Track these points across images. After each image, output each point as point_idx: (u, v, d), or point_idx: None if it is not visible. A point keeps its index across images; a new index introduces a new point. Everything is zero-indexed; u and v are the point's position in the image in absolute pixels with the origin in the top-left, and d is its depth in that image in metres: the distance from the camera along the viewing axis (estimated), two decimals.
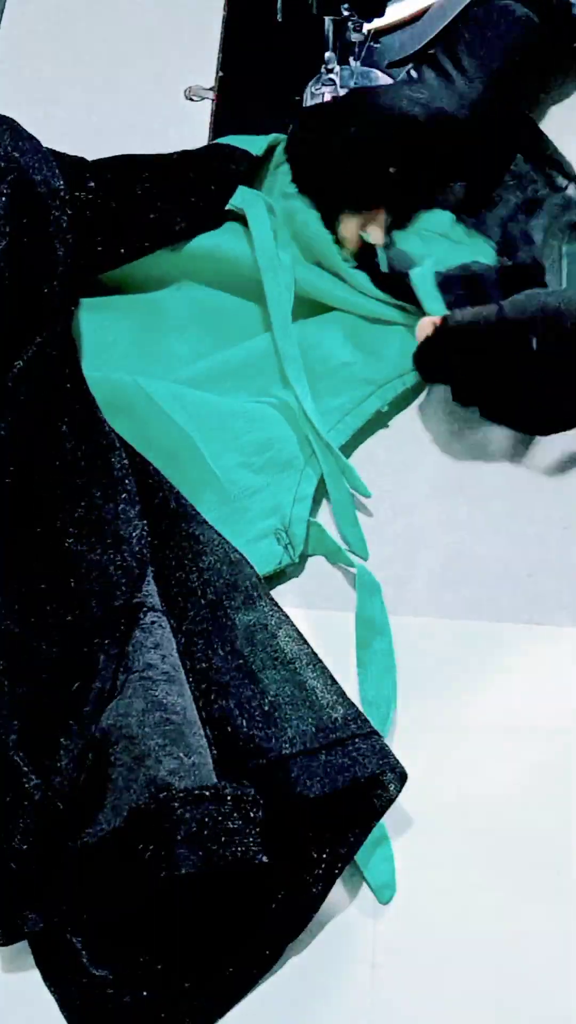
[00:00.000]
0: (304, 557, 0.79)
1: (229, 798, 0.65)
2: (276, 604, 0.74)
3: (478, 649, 0.75)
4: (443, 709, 0.74)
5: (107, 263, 0.85)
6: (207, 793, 0.65)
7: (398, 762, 0.67)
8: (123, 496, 0.75)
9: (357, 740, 0.68)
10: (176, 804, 0.64)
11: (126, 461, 0.76)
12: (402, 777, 0.67)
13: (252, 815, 0.65)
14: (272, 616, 0.73)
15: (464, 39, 0.87)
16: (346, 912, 0.69)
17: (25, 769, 0.66)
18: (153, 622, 0.71)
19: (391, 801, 0.67)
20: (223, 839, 0.63)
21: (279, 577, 0.78)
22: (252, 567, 0.75)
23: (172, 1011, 0.66)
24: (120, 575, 0.72)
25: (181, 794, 0.64)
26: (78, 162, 0.87)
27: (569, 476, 0.81)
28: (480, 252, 0.85)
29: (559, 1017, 0.66)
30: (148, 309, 0.87)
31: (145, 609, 0.71)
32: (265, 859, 0.64)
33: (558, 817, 0.70)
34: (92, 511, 0.74)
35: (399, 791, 0.67)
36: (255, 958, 0.67)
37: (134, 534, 0.73)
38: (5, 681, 0.70)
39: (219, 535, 0.76)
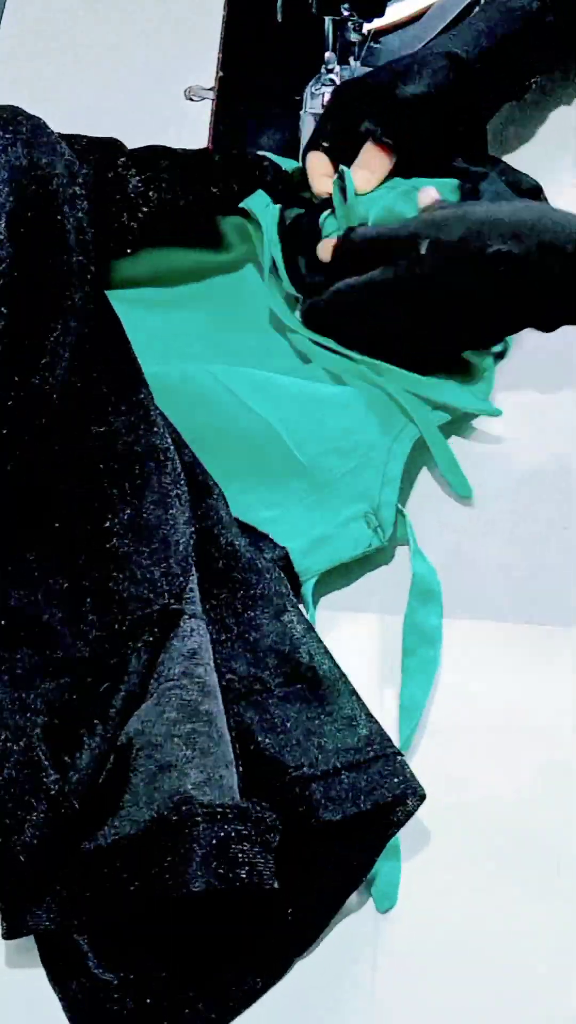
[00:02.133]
0: (392, 542, 0.78)
1: (251, 820, 0.64)
2: (303, 616, 0.73)
3: (478, 649, 0.75)
4: (443, 709, 0.73)
5: (135, 244, 0.86)
6: (231, 813, 0.64)
7: (419, 784, 0.67)
8: (175, 501, 0.74)
9: (380, 761, 0.67)
10: (199, 819, 0.63)
11: (179, 466, 0.75)
12: (421, 797, 0.67)
13: (270, 840, 0.64)
14: (298, 629, 0.72)
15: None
16: (348, 913, 0.68)
17: (45, 763, 0.66)
18: (192, 630, 0.70)
19: (409, 816, 0.67)
20: (238, 861, 0.63)
21: (369, 561, 0.77)
22: (281, 577, 0.74)
23: (175, 1019, 0.65)
24: (164, 582, 0.71)
25: (205, 809, 0.64)
26: (110, 143, 0.87)
27: (569, 476, 0.81)
28: None
29: (560, 1018, 0.66)
30: (219, 303, 0.87)
31: (185, 616, 0.70)
32: (276, 885, 0.64)
33: (558, 817, 0.70)
34: (142, 514, 0.73)
35: (416, 808, 0.67)
36: (262, 969, 0.66)
37: (181, 541, 0.72)
38: (38, 675, 0.70)
39: (248, 545, 0.75)
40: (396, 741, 0.70)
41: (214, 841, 0.63)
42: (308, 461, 0.79)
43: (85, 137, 0.87)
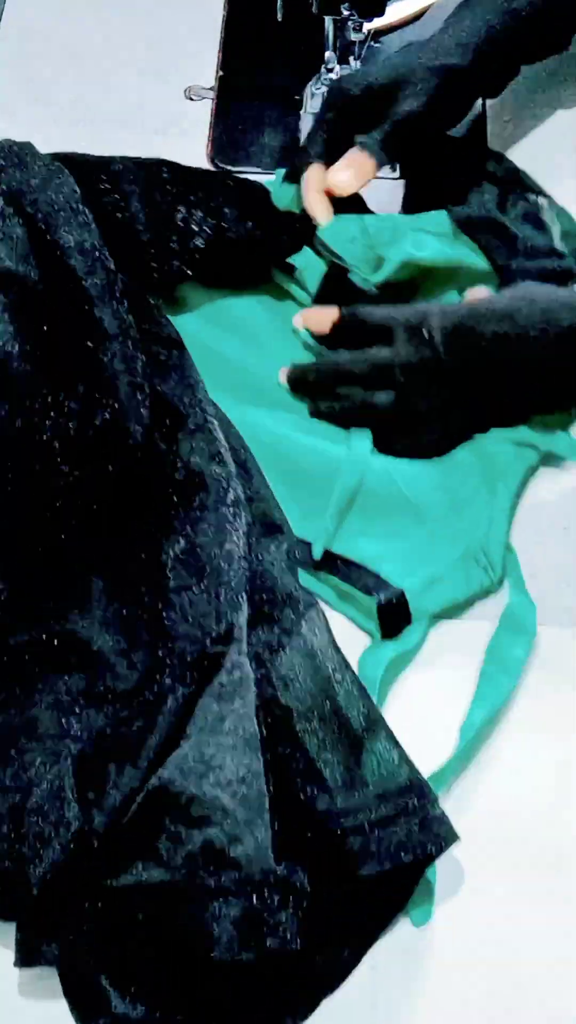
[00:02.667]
0: (501, 579, 0.76)
1: (283, 886, 0.63)
2: (342, 658, 0.72)
3: (479, 649, 0.75)
4: (443, 709, 0.73)
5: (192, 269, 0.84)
6: (265, 879, 0.63)
7: (455, 833, 0.66)
8: (231, 534, 0.72)
9: (420, 813, 0.66)
10: (231, 887, 0.62)
11: (241, 496, 0.73)
12: (454, 837, 0.66)
13: (300, 906, 0.63)
14: (335, 672, 0.71)
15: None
16: None
17: (71, 797, 0.64)
18: (235, 669, 0.68)
19: (440, 852, 0.66)
20: (265, 930, 0.62)
21: (477, 598, 0.76)
22: (324, 617, 0.73)
23: None
24: (212, 620, 0.69)
25: (238, 875, 0.62)
26: (162, 164, 0.85)
27: (569, 476, 0.81)
28: (472, 251, 0.84)
29: (560, 1018, 0.66)
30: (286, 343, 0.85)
31: (230, 657, 0.68)
32: (298, 946, 0.63)
33: (558, 817, 0.70)
34: (196, 547, 0.71)
35: (448, 847, 0.66)
36: (292, 1005, 0.65)
37: (234, 578, 0.70)
38: (81, 703, 0.69)
39: (296, 584, 0.74)
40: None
41: (244, 911, 0.62)
42: (415, 498, 0.78)
43: (131, 159, 0.85)
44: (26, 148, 0.81)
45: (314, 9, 0.89)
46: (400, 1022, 0.66)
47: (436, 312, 0.77)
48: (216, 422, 0.77)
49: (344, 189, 0.83)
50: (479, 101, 0.94)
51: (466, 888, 0.68)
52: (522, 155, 0.93)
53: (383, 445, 0.79)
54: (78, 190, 0.79)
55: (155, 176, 0.84)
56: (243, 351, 0.85)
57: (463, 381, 0.77)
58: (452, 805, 0.70)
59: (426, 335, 0.76)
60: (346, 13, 0.90)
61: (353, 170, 0.83)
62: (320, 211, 0.84)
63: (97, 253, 0.77)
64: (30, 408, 0.72)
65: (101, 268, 0.76)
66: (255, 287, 0.87)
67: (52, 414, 0.73)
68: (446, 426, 0.79)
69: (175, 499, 0.73)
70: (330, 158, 0.85)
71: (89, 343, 0.74)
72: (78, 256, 0.76)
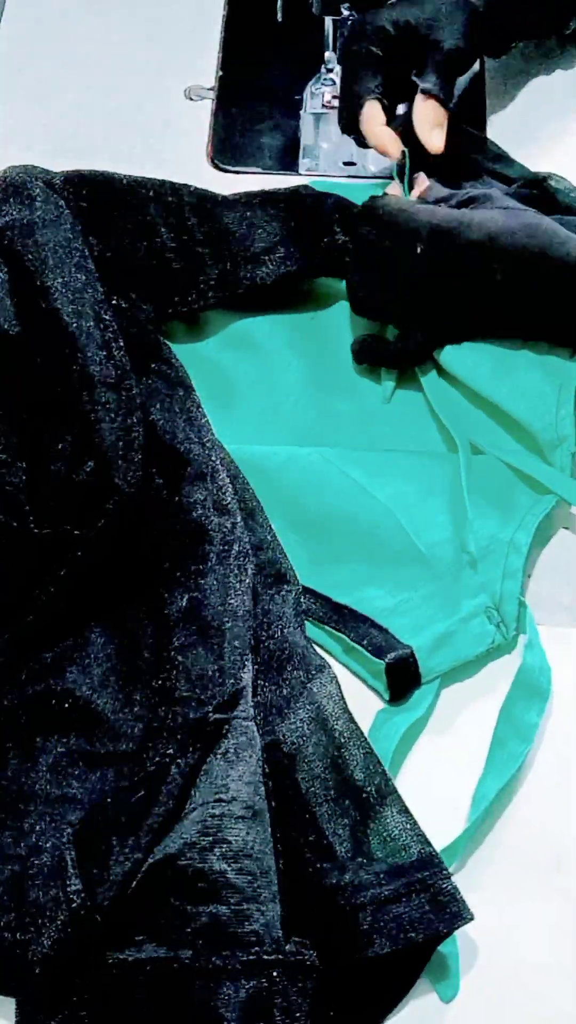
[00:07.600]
0: (515, 636, 0.74)
1: (291, 965, 0.61)
2: (353, 721, 0.69)
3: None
4: (443, 709, 0.73)
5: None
6: (271, 958, 0.61)
7: (469, 911, 0.64)
8: (236, 588, 0.70)
9: (431, 890, 0.63)
10: (240, 967, 0.61)
11: (247, 547, 0.71)
12: (468, 914, 0.64)
13: (307, 985, 0.62)
14: (346, 738, 0.68)
15: None
16: None
17: (71, 871, 0.62)
18: (242, 737, 0.66)
19: (452, 931, 0.64)
20: (275, 1011, 0.60)
21: (490, 655, 0.74)
22: (334, 678, 0.71)
23: None
24: (217, 682, 0.67)
25: (249, 955, 0.61)
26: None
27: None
28: None
29: (559, 1018, 0.66)
30: (315, 361, 0.84)
31: (236, 722, 0.66)
32: None
33: (558, 817, 0.70)
34: (201, 603, 0.69)
35: (461, 926, 0.64)
36: None
37: (239, 636, 0.68)
38: (80, 765, 0.67)
39: (306, 641, 0.72)
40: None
41: (252, 992, 0.60)
42: (427, 549, 0.76)
43: (163, 183, 0.83)
44: (34, 175, 0.78)
45: (314, 9, 0.90)
46: (400, 1022, 0.66)
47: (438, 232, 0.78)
48: (223, 468, 0.74)
49: (440, 147, 0.84)
50: (476, 65, 0.95)
51: (465, 887, 0.67)
52: (522, 119, 0.95)
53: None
54: (77, 228, 0.77)
55: (187, 202, 0.83)
56: (258, 378, 0.83)
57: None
58: (451, 804, 0.70)
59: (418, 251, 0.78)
60: (346, 13, 0.90)
61: (439, 126, 0.84)
62: (393, 144, 0.84)
63: (87, 295, 0.74)
64: None
65: (91, 311, 0.74)
66: (279, 308, 0.85)
67: (21, 466, 0.71)
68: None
69: (177, 552, 0.70)
70: (386, 93, 0.85)
71: (72, 391, 0.72)
72: (65, 300, 0.73)
